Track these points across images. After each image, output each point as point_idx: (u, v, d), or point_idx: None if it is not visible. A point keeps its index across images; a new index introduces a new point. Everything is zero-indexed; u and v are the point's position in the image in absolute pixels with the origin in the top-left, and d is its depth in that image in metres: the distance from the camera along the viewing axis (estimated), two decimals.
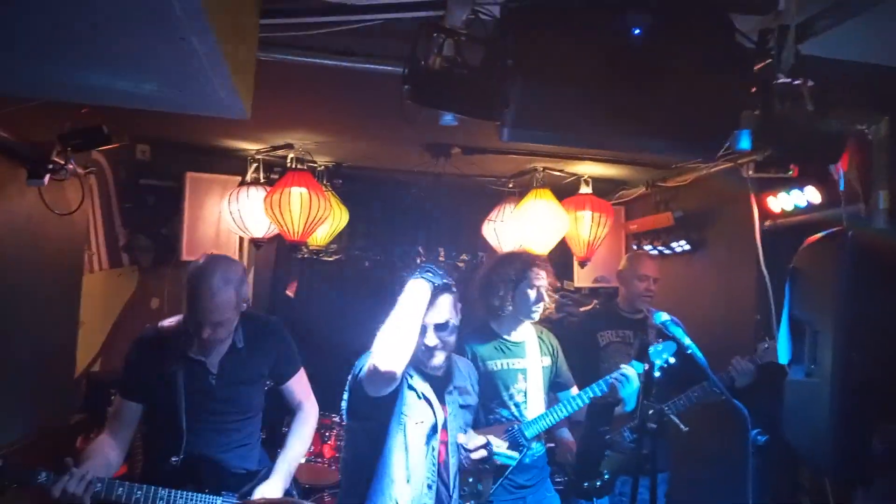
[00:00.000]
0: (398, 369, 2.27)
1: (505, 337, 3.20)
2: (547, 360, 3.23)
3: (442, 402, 2.52)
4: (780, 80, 2.07)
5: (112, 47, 1.50)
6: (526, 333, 3.23)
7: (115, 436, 2.55)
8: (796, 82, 2.04)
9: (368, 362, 2.33)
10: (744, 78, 2.07)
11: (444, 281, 2.39)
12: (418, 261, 2.52)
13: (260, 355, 2.72)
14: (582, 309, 4.94)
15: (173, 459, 2.50)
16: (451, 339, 2.46)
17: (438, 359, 2.44)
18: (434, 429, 2.44)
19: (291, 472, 2.74)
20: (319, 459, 3.94)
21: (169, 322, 2.66)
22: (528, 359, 3.19)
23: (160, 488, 2.42)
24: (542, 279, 3.15)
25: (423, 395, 2.45)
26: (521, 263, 3.18)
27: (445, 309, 2.43)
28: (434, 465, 2.42)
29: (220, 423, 2.62)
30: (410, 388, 2.45)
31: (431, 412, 2.45)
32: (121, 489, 2.37)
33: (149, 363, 2.56)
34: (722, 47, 2.01)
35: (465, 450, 2.62)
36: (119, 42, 1.47)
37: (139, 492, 2.39)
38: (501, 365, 3.14)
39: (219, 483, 2.57)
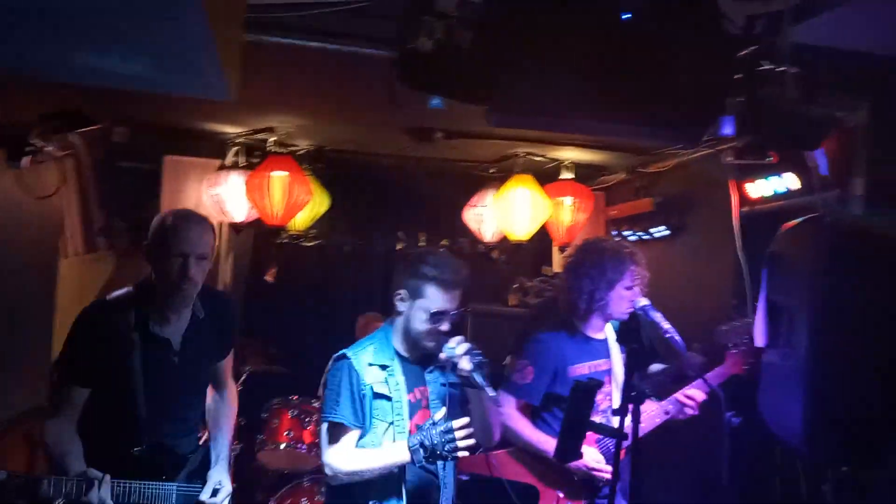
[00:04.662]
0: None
1: (588, 334, 2.94)
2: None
3: (422, 383, 2.49)
4: (765, 67, 2.10)
5: (102, 26, 1.47)
6: (607, 329, 3.00)
7: (70, 426, 2.32)
8: (780, 69, 2.07)
9: (328, 463, 2.38)
10: (729, 64, 2.10)
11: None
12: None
13: (218, 327, 2.57)
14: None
15: (135, 450, 2.33)
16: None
17: (440, 341, 2.40)
18: (399, 421, 2.41)
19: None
20: (299, 445, 3.93)
21: (117, 296, 2.41)
22: (613, 358, 2.95)
23: (130, 482, 2.28)
24: (640, 277, 2.86)
25: (391, 395, 2.42)
26: (618, 261, 2.83)
27: (459, 302, 2.43)
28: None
29: (178, 406, 2.49)
30: (378, 395, 2.40)
31: (396, 407, 2.41)
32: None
33: (98, 343, 2.31)
34: (709, 33, 2.03)
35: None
36: (110, 21, 1.44)
37: (118, 488, 2.24)
38: (588, 369, 2.88)
39: (172, 470, 2.45)
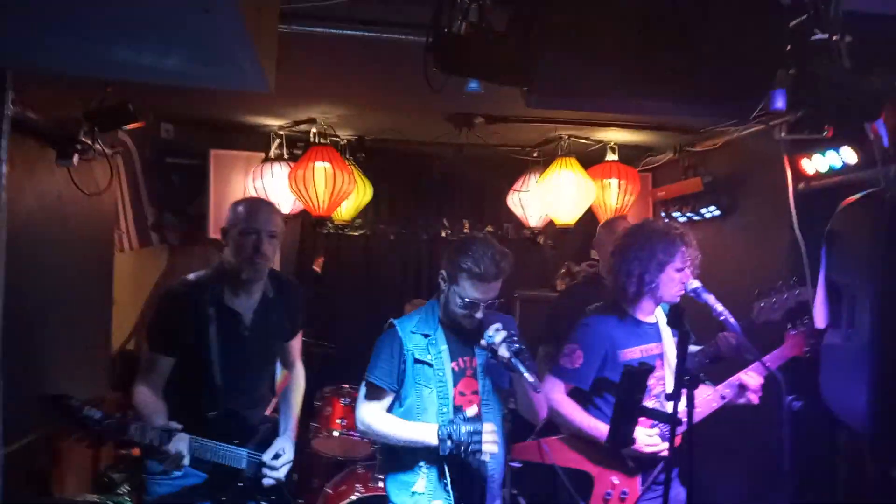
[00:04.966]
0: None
1: (638, 317, 2.87)
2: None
3: (469, 354, 2.59)
4: (816, 37, 2.00)
5: (136, 19, 1.49)
6: (658, 312, 2.93)
7: (156, 390, 2.57)
8: (833, 39, 1.97)
9: (360, 417, 2.56)
10: (779, 35, 2.00)
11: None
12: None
13: (285, 308, 2.80)
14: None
15: (210, 414, 2.57)
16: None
17: (473, 323, 2.53)
18: (442, 387, 2.52)
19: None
20: (352, 432, 3.97)
21: (195, 276, 2.68)
22: (665, 342, 2.87)
23: (206, 440, 2.52)
24: (690, 259, 2.78)
25: (432, 362, 2.54)
26: (668, 242, 2.75)
27: (496, 292, 2.50)
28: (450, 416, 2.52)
29: (248, 377, 2.72)
30: (419, 361, 2.54)
31: (438, 374, 2.53)
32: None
33: (181, 316, 2.58)
34: (757, 3, 1.95)
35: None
36: (143, 14, 1.46)
37: (194, 443, 2.49)
38: (640, 353, 2.81)
39: (242, 436, 2.67)
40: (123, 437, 2.38)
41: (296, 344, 2.98)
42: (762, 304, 3.05)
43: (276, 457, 2.71)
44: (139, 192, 4.40)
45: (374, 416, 2.55)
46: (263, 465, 2.69)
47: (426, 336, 2.56)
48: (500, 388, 2.60)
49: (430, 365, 2.53)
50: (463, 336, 2.58)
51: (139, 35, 1.61)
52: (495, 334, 2.41)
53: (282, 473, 2.73)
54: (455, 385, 2.54)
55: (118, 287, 4.10)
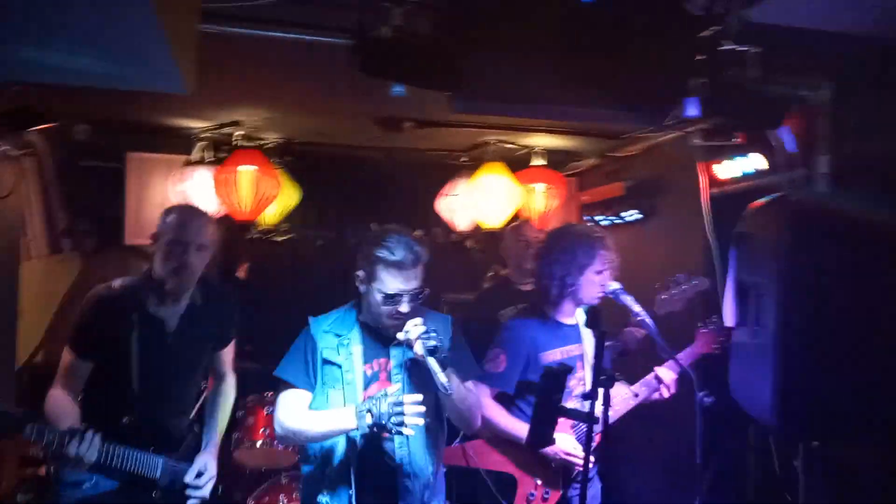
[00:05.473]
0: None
1: (559, 319, 2.93)
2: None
3: (384, 356, 2.44)
4: (726, 47, 2.10)
5: (41, 18, 1.41)
6: (578, 314, 2.97)
7: (72, 392, 2.49)
8: (741, 49, 2.07)
9: (276, 418, 2.40)
10: (691, 45, 2.10)
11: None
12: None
13: (214, 315, 2.73)
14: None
15: (124, 420, 2.47)
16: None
17: (401, 324, 2.35)
18: (350, 390, 2.38)
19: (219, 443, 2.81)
20: (276, 442, 3.88)
21: (121, 281, 2.61)
22: (585, 343, 2.92)
23: (116, 445, 2.40)
24: (609, 261, 2.86)
25: (341, 363, 2.40)
26: (588, 245, 2.83)
27: (417, 281, 2.35)
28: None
29: (171, 386, 2.64)
30: (326, 362, 2.40)
31: (346, 377, 2.39)
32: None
33: (103, 321, 2.51)
34: (669, 14, 2.03)
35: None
36: (48, 11, 1.39)
37: (101, 447, 2.35)
38: (560, 354, 2.85)
39: (161, 446, 2.57)
40: (11, 434, 2.26)
41: (227, 354, 2.88)
42: (663, 296, 3.18)
43: (199, 475, 2.61)
44: (49, 196, 4.18)
45: (288, 414, 2.38)
46: (186, 486, 2.59)
47: (338, 336, 2.43)
48: (425, 393, 2.37)
49: (339, 366, 2.39)
50: (381, 338, 2.44)
51: (45, 34, 1.53)
52: (412, 329, 2.26)
53: (206, 492, 2.64)
54: (366, 389, 2.40)
55: (25, 296, 3.88)
